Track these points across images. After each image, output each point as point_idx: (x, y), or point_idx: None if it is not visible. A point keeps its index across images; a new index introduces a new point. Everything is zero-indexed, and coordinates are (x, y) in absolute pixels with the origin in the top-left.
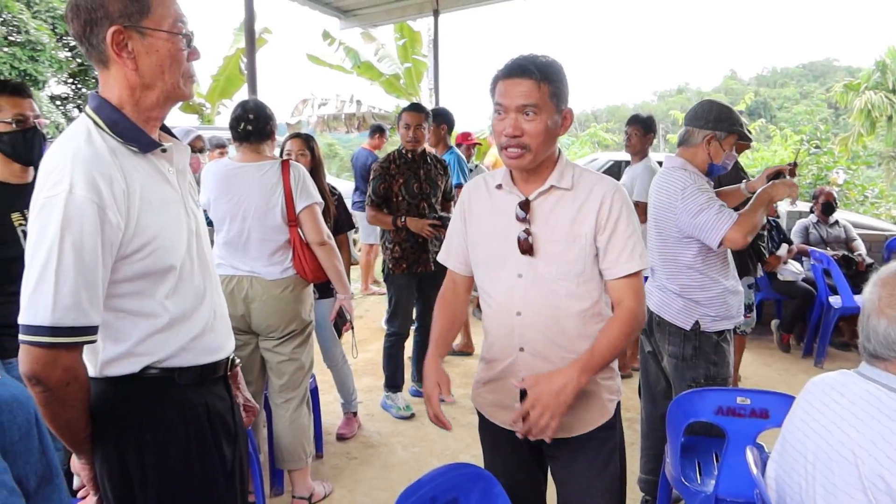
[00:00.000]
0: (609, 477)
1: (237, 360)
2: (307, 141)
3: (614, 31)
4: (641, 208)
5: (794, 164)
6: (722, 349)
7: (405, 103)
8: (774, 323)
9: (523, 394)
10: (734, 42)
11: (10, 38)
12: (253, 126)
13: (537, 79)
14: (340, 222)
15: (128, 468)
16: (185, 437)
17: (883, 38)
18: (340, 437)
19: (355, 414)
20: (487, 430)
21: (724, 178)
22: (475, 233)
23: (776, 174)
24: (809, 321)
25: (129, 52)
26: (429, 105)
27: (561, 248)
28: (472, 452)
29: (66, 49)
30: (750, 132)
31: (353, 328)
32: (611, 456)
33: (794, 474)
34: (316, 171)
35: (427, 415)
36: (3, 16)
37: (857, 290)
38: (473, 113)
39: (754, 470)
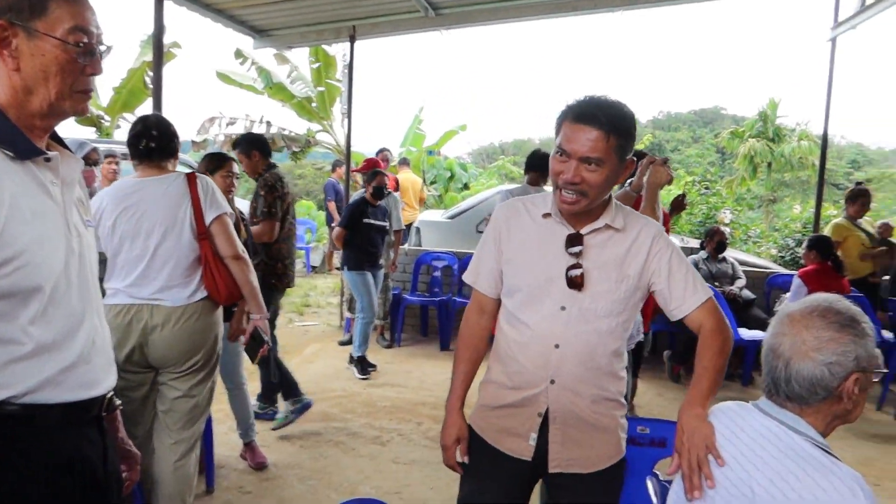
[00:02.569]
0: None
1: (117, 402)
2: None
3: (520, 66)
4: None
5: (683, 195)
6: None
7: (316, 126)
8: (666, 354)
9: (543, 424)
10: (632, 85)
11: None
12: (156, 143)
13: (606, 130)
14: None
15: None
16: (39, 488)
17: (765, 91)
18: (259, 466)
19: (250, 443)
20: (484, 454)
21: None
22: (514, 258)
23: (648, 164)
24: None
25: (13, 49)
26: (342, 129)
27: (610, 287)
28: (371, 484)
29: None
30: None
31: (270, 351)
32: (617, 496)
33: None
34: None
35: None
36: None
37: (741, 323)
38: (385, 139)
39: (655, 501)
